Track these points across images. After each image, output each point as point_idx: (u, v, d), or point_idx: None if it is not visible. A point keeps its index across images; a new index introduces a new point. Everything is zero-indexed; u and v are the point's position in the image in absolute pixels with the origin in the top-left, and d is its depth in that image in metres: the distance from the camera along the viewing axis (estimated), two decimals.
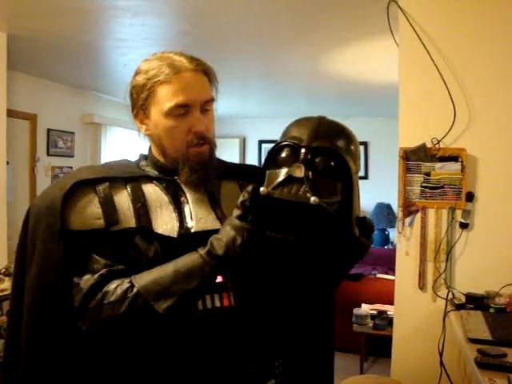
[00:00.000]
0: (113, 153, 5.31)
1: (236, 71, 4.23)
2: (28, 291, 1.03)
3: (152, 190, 1.11)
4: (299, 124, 1.02)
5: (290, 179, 0.93)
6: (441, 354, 2.38)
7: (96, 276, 0.99)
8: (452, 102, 2.37)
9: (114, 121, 5.41)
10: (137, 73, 1.11)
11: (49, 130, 4.65)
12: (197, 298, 1.01)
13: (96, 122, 5.14)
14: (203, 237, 1.03)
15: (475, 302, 2.26)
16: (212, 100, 1.12)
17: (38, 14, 2.91)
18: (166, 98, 1.06)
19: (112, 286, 0.98)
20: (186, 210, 1.09)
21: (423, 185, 2.39)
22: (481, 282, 2.35)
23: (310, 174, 0.94)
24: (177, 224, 1.06)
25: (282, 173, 0.95)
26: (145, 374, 1.03)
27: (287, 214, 0.94)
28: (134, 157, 1.24)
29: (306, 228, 0.94)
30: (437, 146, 2.37)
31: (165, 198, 1.10)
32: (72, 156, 4.97)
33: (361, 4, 2.73)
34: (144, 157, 1.20)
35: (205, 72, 1.10)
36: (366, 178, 6.42)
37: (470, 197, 2.38)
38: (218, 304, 1.05)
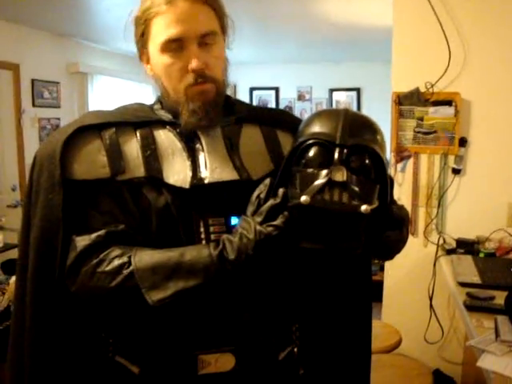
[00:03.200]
0: (100, 102, 5.19)
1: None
2: (32, 242, 0.98)
3: (164, 137, 1.01)
4: (322, 118, 0.93)
5: (329, 184, 0.84)
6: (431, 298, 2.42)
7: (93, 236, 0.93)
8: (447, 44, 2.30)
9: (100, 69, 5.24)
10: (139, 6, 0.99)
11: (33, 81, 4.51)
12: (196, 297, 0.89)
13: (81, 71, 4.98)
14: (218, 188, 0.97)
15: (466, 246, 2.28)
16: (213, 33, 0.97)
17: None
18: (159, 31, 0.95)
19: (112, 254, 0.91)
20: (201, 158, 0.99)
21: (416, 130, 2.35)
22: (472, 228, 2.37)
23: (353, 177, 0.86)
24: (189, 174, 0.97)
25: (321, 176, 0.85)
26: (143, 333, 0.97)
27: (321, 222, 0.84)
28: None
29: (338, 235, 0.85)
30: (430, 90, 2.32)
31: (178, 145, 1.00)
32: (59, 107, 4.84)
33: None
34: (159, 99, 1.08)
35: (205, 1, 0.96)
36: None
37: (463, 142, 2.35)
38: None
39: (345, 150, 0.88)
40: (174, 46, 0.95)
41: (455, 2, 2.30)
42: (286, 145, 1.07)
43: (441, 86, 2.33)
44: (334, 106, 6.42)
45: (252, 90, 6.69)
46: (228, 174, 0.99)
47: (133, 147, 0.99)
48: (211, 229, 0.96)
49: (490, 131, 2.35)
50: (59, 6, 3.78)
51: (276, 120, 1.12)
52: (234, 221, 0.97)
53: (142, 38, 0.99)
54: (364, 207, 0.82)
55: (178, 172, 0.98)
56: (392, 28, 2.41)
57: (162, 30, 0.95)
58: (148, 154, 0.98)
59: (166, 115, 1.04)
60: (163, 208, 0.95)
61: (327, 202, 0.84)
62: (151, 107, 1.08)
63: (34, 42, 4.53)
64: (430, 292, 2.42)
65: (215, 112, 1.00)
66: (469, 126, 2.36)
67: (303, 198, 0.83)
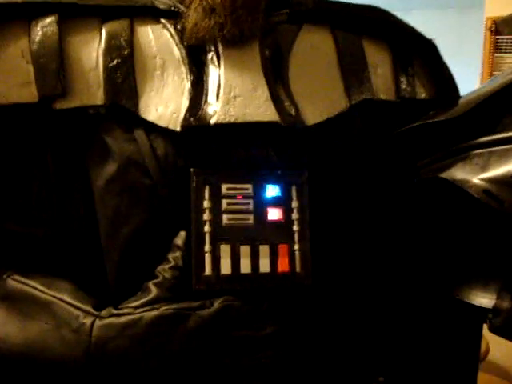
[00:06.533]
0: None
1: None
2: None
3: (153, 37, 0.59)
4: None
5: None
6: None
7: None
8: None
9: None
10: None
11: None
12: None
13: None
14: (238, 134, 0.56)
15: None
16: None
17: None
18: None
19: None
20: (213, 78, 0.58)
21: None
22: None
23: None
24: (186, 104, 0.56)
25: None
26: None
27: None
28: None
29: None
30: None
31: (175, 53, 0.59)
32: None
33: None
34: None
35: None
36: None
37: None
38: (266, 268, 0.55)
39: None
40: None
41: None
42: (378, 65, 0.65)
43: None
44: None
45: None
46: (258, 109, 0.56)
47: (89, 51, 0.57)
48: (224, 204, 0.55)
49: None
50: None
51: (363, 20, 0.66)
52: (273, 191, 0.57)
53: None
54: None
55: (166, 101, 0.56)
56: None
57: None
58: (113, 65, 0.56)
59: (165, 0, 0.60)
60: (133, 163, 0.55)
61: None
62: None
63: None
64: None
65: (253, 15, 0.56)
66: None
67: None
